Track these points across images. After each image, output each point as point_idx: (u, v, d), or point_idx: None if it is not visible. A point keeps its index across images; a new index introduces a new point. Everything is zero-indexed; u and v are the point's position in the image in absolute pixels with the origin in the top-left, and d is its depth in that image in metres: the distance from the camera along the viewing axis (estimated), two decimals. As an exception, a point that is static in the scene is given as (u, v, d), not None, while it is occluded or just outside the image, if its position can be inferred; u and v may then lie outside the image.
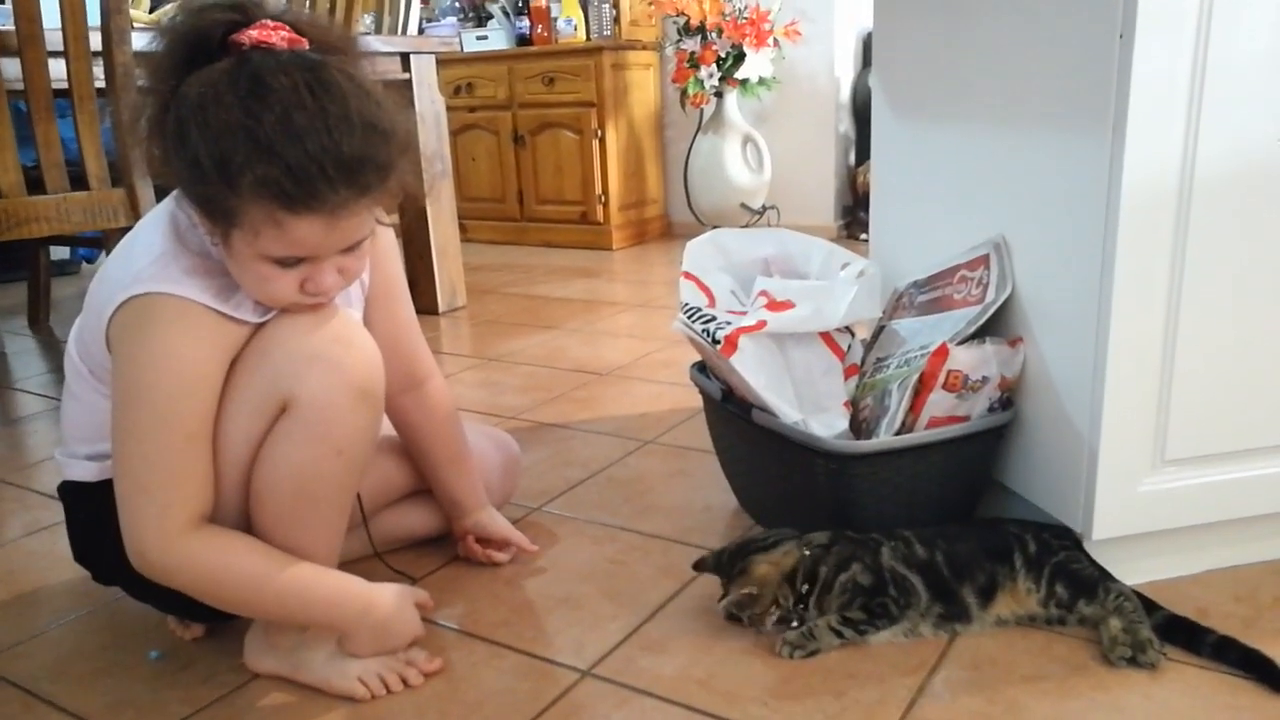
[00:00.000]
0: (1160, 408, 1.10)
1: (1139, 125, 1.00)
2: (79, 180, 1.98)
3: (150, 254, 0.96)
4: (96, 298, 1.00)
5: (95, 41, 1.90)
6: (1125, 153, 1.01)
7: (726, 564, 1.13)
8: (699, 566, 1.19)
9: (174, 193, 0.99)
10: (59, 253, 3.69)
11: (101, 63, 1.93)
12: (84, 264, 3.90)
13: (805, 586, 1.10)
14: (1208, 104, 1.01)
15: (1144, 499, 1.13)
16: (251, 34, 0.89)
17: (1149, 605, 1.08)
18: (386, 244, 1.20)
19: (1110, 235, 1.04)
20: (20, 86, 1.86)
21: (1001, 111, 1.22)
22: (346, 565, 1.11)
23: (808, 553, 1.11)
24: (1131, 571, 1.14)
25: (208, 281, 0.96)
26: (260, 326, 1.00)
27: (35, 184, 1.92)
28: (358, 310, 1.17)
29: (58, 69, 1.88)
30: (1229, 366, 1.10)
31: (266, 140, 0.85)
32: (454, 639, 1.16)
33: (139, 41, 1.92)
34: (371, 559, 1.27)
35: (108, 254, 2.17)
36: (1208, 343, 1.09)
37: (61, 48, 1.87)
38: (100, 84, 1.95)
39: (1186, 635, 1.05)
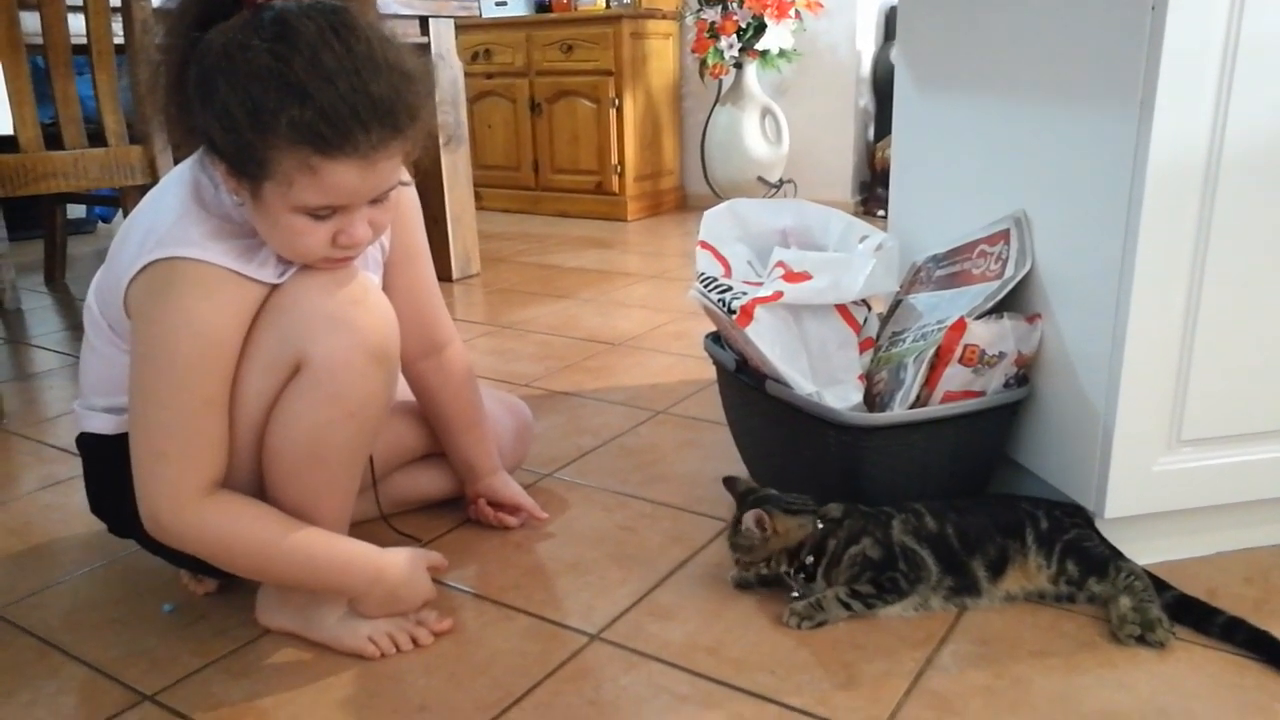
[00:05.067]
0: (1178, 388, 1.09)
1: (1168, 101, 0.99)
2: (97, 137, 1.98)
3: (171, 217, 0.96)
4: (117, 258, 1.00)
5: (114, -3, 1.90)
6: (1153, 129, 0.99)
7: (751, 503, 1.14)
8: (729, 482, 1.22)
9: (197, 154, 0.99)
10: (75, 211, 3.70)
11: (120, 18, 1.92)
12: (100, 223, 3.91)
13: (810, 558, 1.10)
14: (1239, 80, 0.99)
15: (1158, 479, 1.12)
16: None
17: (1159, 585, 1.07)
18: (409, 207, 1.19)
19: (1134, 212, 1.03)
20: (39, 42, 1.85)
21: (1026, 85, 1.20)
22: (356, 526, 1.12)
23: (820, 525, 1.12)
24: (1143, 551, 1.14)
25: (229, 244, 0.96)
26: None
27: (53, 140, 1.92)
28: (376, 275, 1.17)
29: (76, 24, 1.87)
30: (1250, 348, 1.09)
31: (298, 83, 0.85)
32: (464, 601, 1.17)
33: (158, -2, 1.92)
34: (378, 521, 1.28)
35: (125, 213, 2.17)
36: (1229, 323, 1.07)
37: (80, 2, 1.86)
38: (119, 40, 1.94)
39: (1196, 615, 1.05)
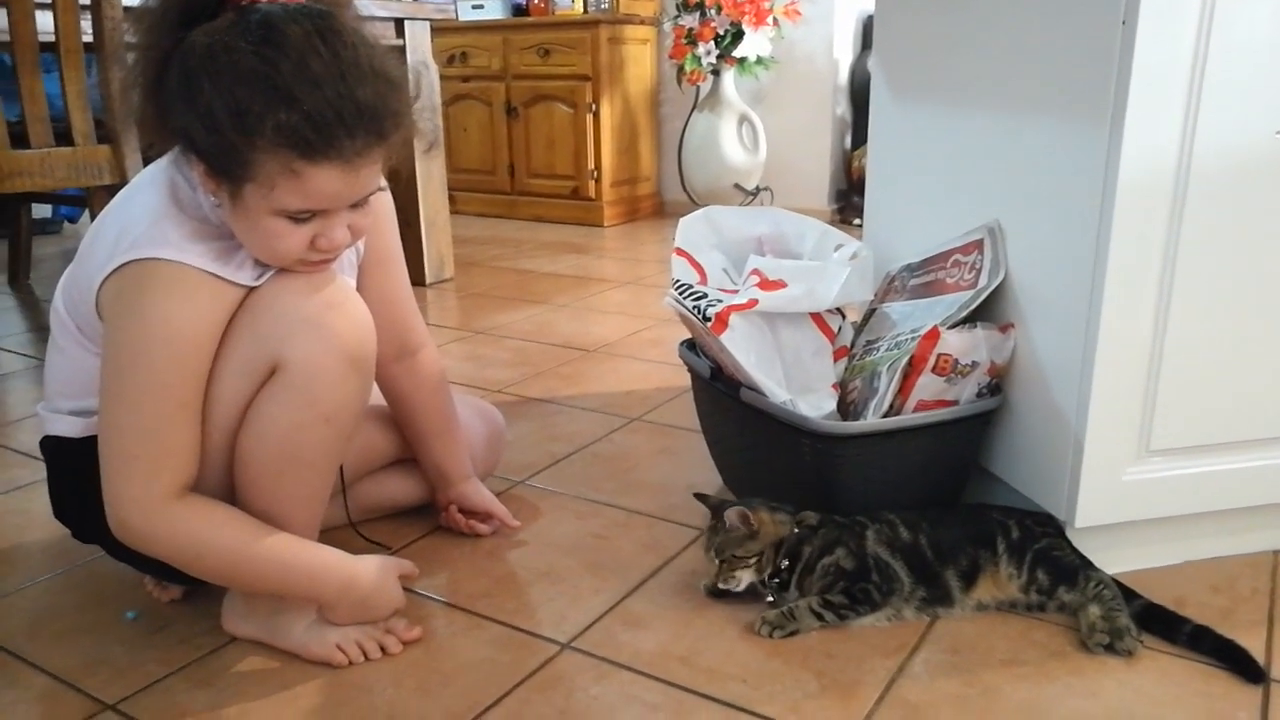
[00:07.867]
0: (1147, 398, 1.10)
1: (1138, 113, 1.00)
2: (64, 136, 1.94)
3: (148, 217, 0.94)
4: (89, 258, 0.98)
5: (84, -6, 1.87)
6: (1124, 141, 1.00)
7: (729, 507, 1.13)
8: (702, 497, 1.21)
9: (171, 154, 0.97)
10: (40, 211, 3.64)
11: (89, 16, 1.89)
12: (66, 223, 3.85)
13: (785, 562, 1.11)
14: (1207, 94, 1.00)
15: (1127, 488, 1.13)
16: None
17: (1128, 593, 1.08)
18: (385, 211, 1.19)
19: (1105, 224, 1.04)
20: (6, 39, 1.82)
21: (1000, 97, 1.21)
22: (324, 533, 1.10)
23: (796, 530, 1.12)
24: (1113, 560, 1.15)
25: (207, 246, 0.95)
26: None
27: (19, 139, 1.89)
28: (351, 278, 1.16)
29: (45, 21, 1.84)
30: (1216, 359, 1.10)
31: (285, 87, 0.84)
32: (434, 609, 1.16)
33: (128, -4, 1.89)
34: (347, 527, 1.27)
35: (92, 213, 2.14)
36: (1197, 335, 1.09)
37: (49, 0, 1.83)
38: (88, 38, 1.92)
39: (1163, 624, 1.06)
